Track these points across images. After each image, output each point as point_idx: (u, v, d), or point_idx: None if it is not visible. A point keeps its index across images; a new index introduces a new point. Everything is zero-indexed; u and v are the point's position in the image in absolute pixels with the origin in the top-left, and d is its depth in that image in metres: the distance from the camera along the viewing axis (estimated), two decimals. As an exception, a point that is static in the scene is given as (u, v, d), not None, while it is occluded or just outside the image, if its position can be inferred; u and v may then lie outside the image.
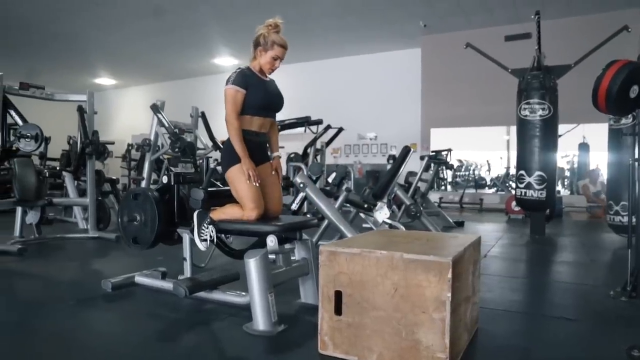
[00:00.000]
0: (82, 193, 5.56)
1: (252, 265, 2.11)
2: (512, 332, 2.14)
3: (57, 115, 9.58)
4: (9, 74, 4.62)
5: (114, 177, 6.52)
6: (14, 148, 4.16)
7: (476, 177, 12.52)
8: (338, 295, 1.79)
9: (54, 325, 2.18)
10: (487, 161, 13.12)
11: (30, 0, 7.82)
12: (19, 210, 4.54)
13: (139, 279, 2.80)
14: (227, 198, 2.47)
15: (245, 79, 2.41)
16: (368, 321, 1.73)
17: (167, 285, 2.58)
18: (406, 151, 4.11)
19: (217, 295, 2.48)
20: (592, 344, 2.02)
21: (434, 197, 9.70)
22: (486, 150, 12.85)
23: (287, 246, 2.47)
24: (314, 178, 3.82)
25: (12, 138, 4.29)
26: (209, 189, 2.44)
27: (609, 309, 2.49)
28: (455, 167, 11.25)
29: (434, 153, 7.49)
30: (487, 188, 11.90)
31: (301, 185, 3.64)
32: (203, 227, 2.39)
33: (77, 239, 4.68)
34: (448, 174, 11.83)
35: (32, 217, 4.49)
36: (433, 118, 9.80)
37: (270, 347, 1.93)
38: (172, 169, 2.59)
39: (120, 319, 2.30)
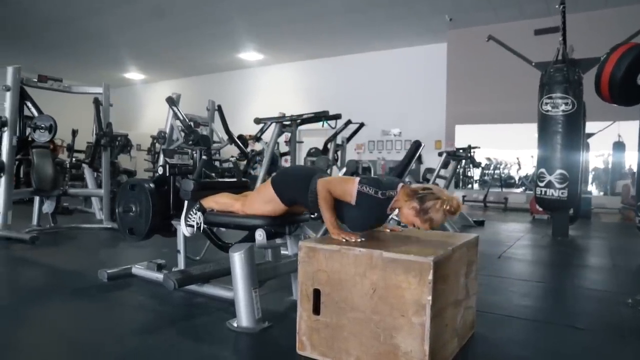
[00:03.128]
0: (101, 184, 5.65)
1: (237, 260, 2.05)
2: (511, 340, 2.00)
3: (87, 109, 9.83)
4: (42, 71, 4.78)
5: (131, 169, 6.62)
6: (29, 139, 4.25)
7: (504, 176, 12.14)
8: (317, 293, 1.71)
9: (41, 313, 2.20)
10: (517, 159, 12.70)
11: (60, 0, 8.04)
12: (37, 199, 4.66)
13: (136, 270, 2.79)
14: (218, 189, 2.42)
15: (370, 203, 1.90)
16: (346, 322, 1.64)
17: (161, 277, 2.55)
18: (416, 146, 3.97)
19: (208, 289, 2.45)
20: (599, 357, 1.86)
21: (457, 195, 9.46)
22: (518, 148, 12.43)
23: (278, 241, 2.39)
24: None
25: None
26: (201, 180, 2.39)
27: (624, 319, 2.30)
28: (483, 165, 10.94)
29: (460, 150, 7.27)
30: (515, 187, 11.51)
31: (306, 179, 3.56)
32: (191, 213, 2.34)
33: (90, 229, 4.76)
34: (475, 172, 11.53)
35: (48, 206, 4.59)
36: (458, 114, 9.53)
37: (248, 344, 1.87)
38: (168, 160, 2.55)
39: (108, 310, 2.28)
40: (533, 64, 4.89)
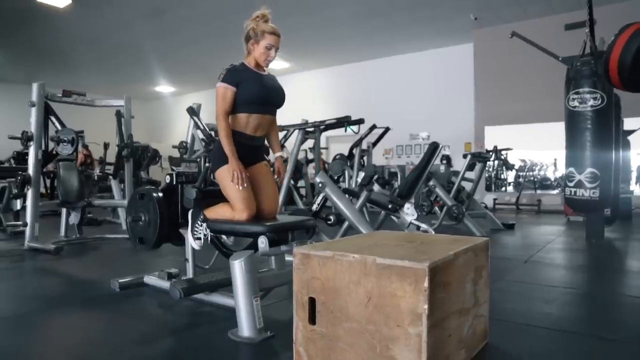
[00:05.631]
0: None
1: (237, 268, 2.01)
2: (528, 351, 1.86)
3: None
4: (75, 87, 5.01)
5: (156, 180, 6.73)
6: (54, 152, 4.37)
7: (540, 177, 11.68)
8: (312, 302, 1.63)
9: (48, 322, 2.22)
10: (555, 160, 12.22)
11: (90, 18, 8.33)
12: (64, 211, 4.79)
13: (148, 279, 2.79)
14: (221, 197, 2.39)
15: (236, 75, 2.29)
16: (342, 333, 1.56)
17: (170, 286, 2.53)
18: (434, 147, 3.84)
19: (215, 298, 2.41)
20: (624, 369, 1.70)
21: (488, 198, 9.19)
22: (555, 149, 11.93)
23: (283, 248, 2.33)
24: (335, 177, 3.66)
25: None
26: (204, 189, 2.37)
27: (660, 328, 2.11)
28: (517, 167, 10.56)
29: (489, 152, 7.02)
30: (551, 189, 11.05)
31: (320, 184, 3.50)
32: (197, 225, 2.33)
33: (114, 240, 4.84)
34: (510, 175, 11.14)
35: (74, 217, 4.71)
36: (487, 115, 9.27)
37: (246, 355, 1.81)
38: (175, 168, 2.54)
39: (113, 319, 2.28)
40: (560, 58, 4.67)
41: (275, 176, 2.51)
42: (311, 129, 6.43)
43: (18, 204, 5.02)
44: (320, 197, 3.61)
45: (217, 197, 2.39)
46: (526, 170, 11.64)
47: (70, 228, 4.79)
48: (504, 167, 10.58)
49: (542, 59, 5.71)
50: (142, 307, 2.50)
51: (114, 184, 5.63)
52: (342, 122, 6.94)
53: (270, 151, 2.59)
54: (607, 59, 1.95)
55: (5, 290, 2.95)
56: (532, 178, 11.29)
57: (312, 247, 1.70)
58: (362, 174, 6.40)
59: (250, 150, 2.36)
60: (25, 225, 4.27)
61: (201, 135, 5.27)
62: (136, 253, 4.30)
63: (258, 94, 2.30)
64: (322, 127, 6.79)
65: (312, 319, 1.62)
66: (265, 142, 2.58)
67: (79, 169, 5.01)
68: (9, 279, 3.25)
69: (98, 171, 7.46)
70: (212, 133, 5.32)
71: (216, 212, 2.31)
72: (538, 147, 11.63)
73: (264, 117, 2.36)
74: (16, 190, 4.62)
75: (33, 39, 9.45)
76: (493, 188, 10.51)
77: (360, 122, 7.04)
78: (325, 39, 9.82)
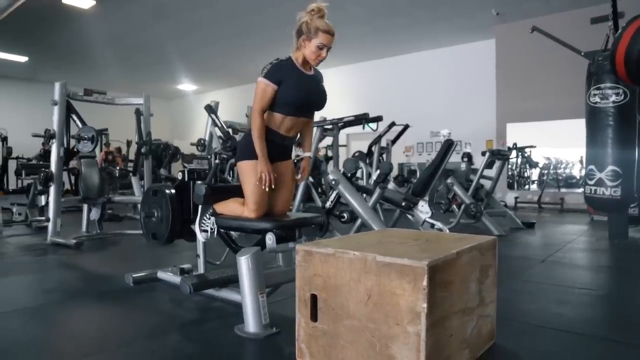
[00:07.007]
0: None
1: (243, 264, 2.03)
2: (536, 352, 1.82)
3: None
4: (97, 86, 5.14)
5: (175, 177, 6.83)
6: (75, 150, 4.49)
7: (565, 176, 11.40)
8: (314, 299, 1.64)
9: (61, 315, 2.30)
10: (581, 157, 11.90)
11: (113, 18, 8.49)
12: (85, 207, 4.92)
13: (161, 274, 2.84)
14: (231, 194, 2.41)
15: (281, 72, 2.17)
16: (343, 330, 1.56)
17: (183, 281, 2.57)
18: (448, 144, 3.79)
19: (225, 294, 2.44)
20: (636, 373, 1.65)
21: (510, 196, 9.04)
22: (581, 147, 11.58)
23: (291, 245, 2.34)
24: (349, 175, 3.65)
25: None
26: (214, 185, 2.39)
27: (678, 332, 2.04)
28: (541, 165, 10.33)
29: (513, 149, 6.86)
30: (576, 187, 10.78)
31: (333, 182, 3.50)
32: (205, 218, 2.36)
33: (133, 235, 4.93)
34: (533, 173, 10.93)
35: (95, 213, 4.82)
36: (510, 112, 9.08)
37: (250, 351, 1.83)
38: (186, 165, 2.58)
39: (125, 313, 2.33)
40: (582, 53, 4.54)
41: (298, 175, 2.44)
42: (329, 127, 6.41)
43: (42, 200, 5.19)
44: (333, 195, 3.61)
45: (226, 193, 2.42)
46: (551, 168, 11.38)
47: (91, 224, 4.91)
48: (527, 165, 10.37)
49: (566, 54, 5.54)
50: (154, 301, 2.55)
51: (134, 180, 5.74)
52: (360, 119, 6.93)
53: (300, 150, 2.57)
54: (613, 52, 1.89)
55: (26, 282, 3.05)
56: (556, 176, 11.03)
57: (314, 244, 1.70)
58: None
59: (279, 148, 2.29)
60: (48, 220, 4.40)
61: (219, 133, 5.34)
62: (153, 249, 4.38)
63: (297, 97, 2.20)
64: (340, 124, 6.80)
65: (314, 316, 1.63)
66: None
67: (102, 166, 5.12)
68: (31, 272, 3.36)
69: (119, 168, 7.62)
70: (230, 130, 5.38)
71: (226, 207, 2.33)
72: (564, 144, 11.34)
73: (299, 120, 2.28)
74: (40, 187, 4.78)
75: (57, 39, 9.69)
76: (515, 186, 10.31)
77: (378, 119, 7.01)
78: (345, 36, 9.77)
